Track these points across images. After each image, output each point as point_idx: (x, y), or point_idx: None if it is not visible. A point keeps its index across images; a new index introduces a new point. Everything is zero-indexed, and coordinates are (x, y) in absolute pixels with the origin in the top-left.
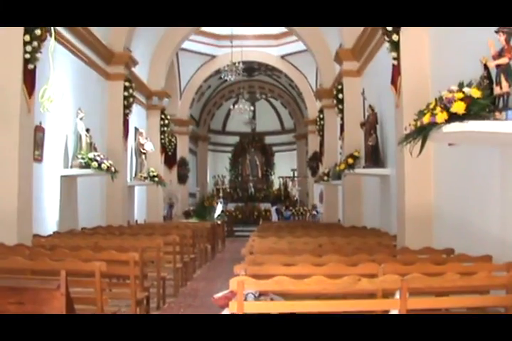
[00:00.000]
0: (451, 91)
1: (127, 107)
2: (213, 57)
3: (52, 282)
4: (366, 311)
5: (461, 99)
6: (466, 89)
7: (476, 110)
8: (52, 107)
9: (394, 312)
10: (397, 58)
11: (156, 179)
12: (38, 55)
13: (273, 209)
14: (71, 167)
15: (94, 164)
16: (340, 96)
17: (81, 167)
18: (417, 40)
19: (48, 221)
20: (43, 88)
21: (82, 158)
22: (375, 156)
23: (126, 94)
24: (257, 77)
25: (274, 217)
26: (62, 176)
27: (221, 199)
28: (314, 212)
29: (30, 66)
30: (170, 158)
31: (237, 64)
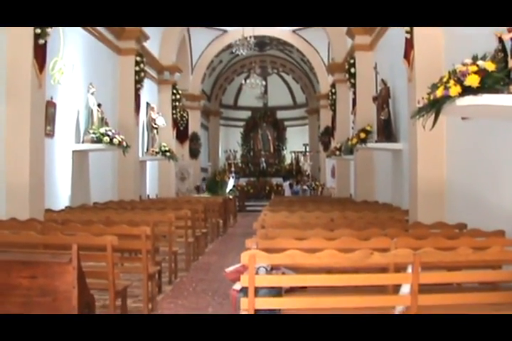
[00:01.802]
0: (465, 65)
1: (139, 82)
2: (225, 31)
3: (64, 256)
4: (378, 285)
5: (475, 72)
6: (480, 62)
7: (490, 83)
8: (63, 80)
9: (406, 287)
10: (410, 32)
11: (168, 154)
12: (49, 29)
13: (286, 183)
14: (83, 142)
15: (106, 139)
16: (352, 70)
17: (93, 142)
18: None
19: (60, 196)
20: (54, 60)
21: (94, 133)
22: (387, 131)
23: (137, 68)
24: (268, 52)
25: (287, 192)
26: (73, 151)
27: (233, 174)
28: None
29: (41, 41)
30: (182, 133)
31: (248, 38)
